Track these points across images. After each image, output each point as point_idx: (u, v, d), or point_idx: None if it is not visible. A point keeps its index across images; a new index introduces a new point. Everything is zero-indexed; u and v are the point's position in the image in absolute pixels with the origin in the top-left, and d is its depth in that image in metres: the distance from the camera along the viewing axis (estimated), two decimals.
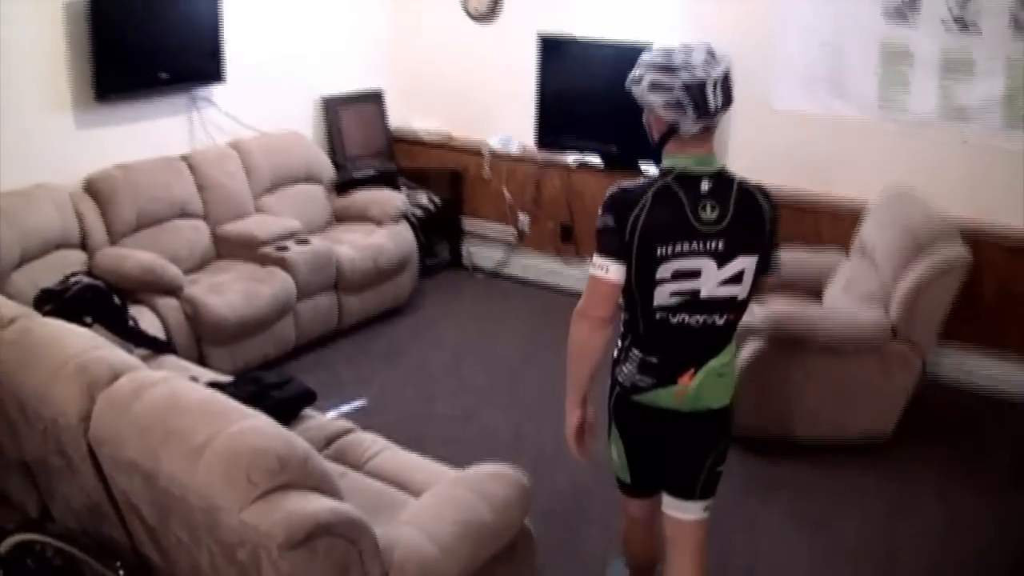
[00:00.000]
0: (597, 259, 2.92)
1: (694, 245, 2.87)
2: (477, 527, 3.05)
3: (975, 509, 4.65)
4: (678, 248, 2.87)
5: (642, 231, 2.85)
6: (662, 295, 2.94)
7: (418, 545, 2.88)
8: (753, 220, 2.93)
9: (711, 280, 2.92)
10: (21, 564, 3.19)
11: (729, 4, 6.31)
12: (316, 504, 2.59)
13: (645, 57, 2.91)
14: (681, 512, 3.25)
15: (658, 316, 2.98)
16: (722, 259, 2.90)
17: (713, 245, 2.88)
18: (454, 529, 2.99)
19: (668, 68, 2.84)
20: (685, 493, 3.22)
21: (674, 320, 2.97)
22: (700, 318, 2.97)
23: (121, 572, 2.93)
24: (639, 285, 2.93)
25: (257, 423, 2.75)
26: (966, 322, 5.65)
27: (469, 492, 3.18)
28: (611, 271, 2.90)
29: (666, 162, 2.96)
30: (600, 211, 2.91)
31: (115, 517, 3.13)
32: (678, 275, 2.90)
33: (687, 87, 2.82)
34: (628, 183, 2.93)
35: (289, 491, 2.60)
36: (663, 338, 3.03)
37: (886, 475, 4.92)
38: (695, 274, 2.90)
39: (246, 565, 2.59)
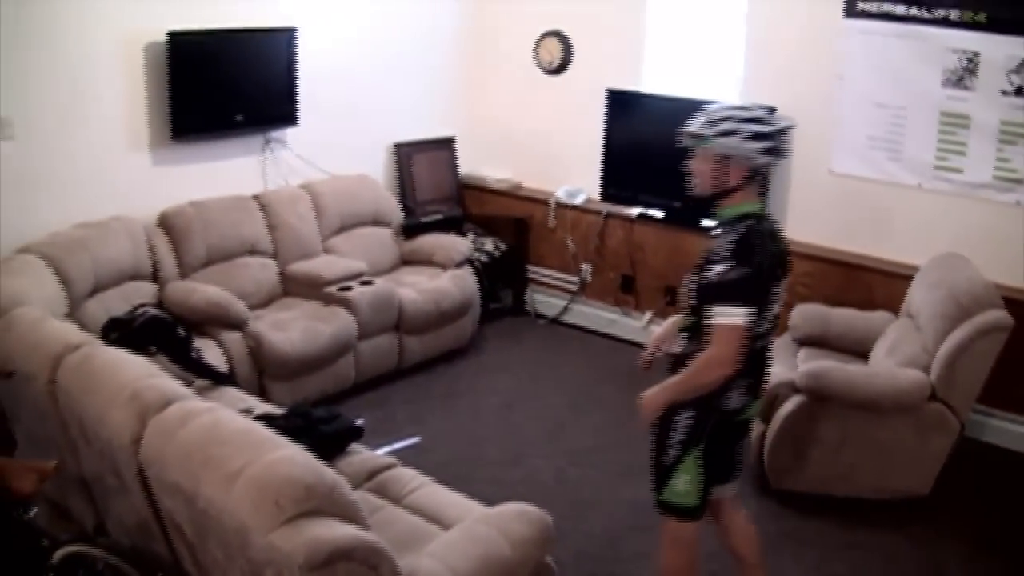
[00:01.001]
0: (735, 309, 3.30)
1: (779, 274, 3.44)
2: (496, 561, 3.19)
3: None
4: (778, 282, 3.46)
5: (766, 273, 3.36)
6: (762, 326, 3.43)
7: (438, 575, 3.02)
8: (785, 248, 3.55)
9: (779, 302, 3.49)
10: (73, 575, 3.39)
11: (793, 67, 6.43)
12: (339, 531, 2.76)
13: (724, 113, 3.39)
14: (733, 489, 3.87)
15: (758, 345, 3.47)
16: (780, 282, 3.48)
17: (780, 273, 3.46)
18: (473, 564, 3.14)
19: (760, 120, 3.38)
20: (738, 475, 3.85)
21: (763, 344, 3.52)
22: (771, 337, 3.57)
23: None
24: (757, 322, 3.38)
25: (289, 453, 2.93)
26: (1013, 387, 5.68)
27: (492, 529, 3.32)
28: (749, 318, 3.31)
29: (742, 208, 3.44)
30: (728, 263, 3.30)
31: (161, 535, 3.33)
32: (772, 304, 3.44)
33: (783, 133, 3.41)
34: (734, 233, 3.36)
35: (314, 518, 2.77)
36: (758, 362, 3.54)
37: (917, 537, 4.94)
38: (776, 300, 3.46)
39: None
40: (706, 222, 6.63)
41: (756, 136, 3.34)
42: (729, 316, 3.29)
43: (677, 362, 3.60)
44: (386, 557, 2.84)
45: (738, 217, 3.42)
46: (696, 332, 3.50)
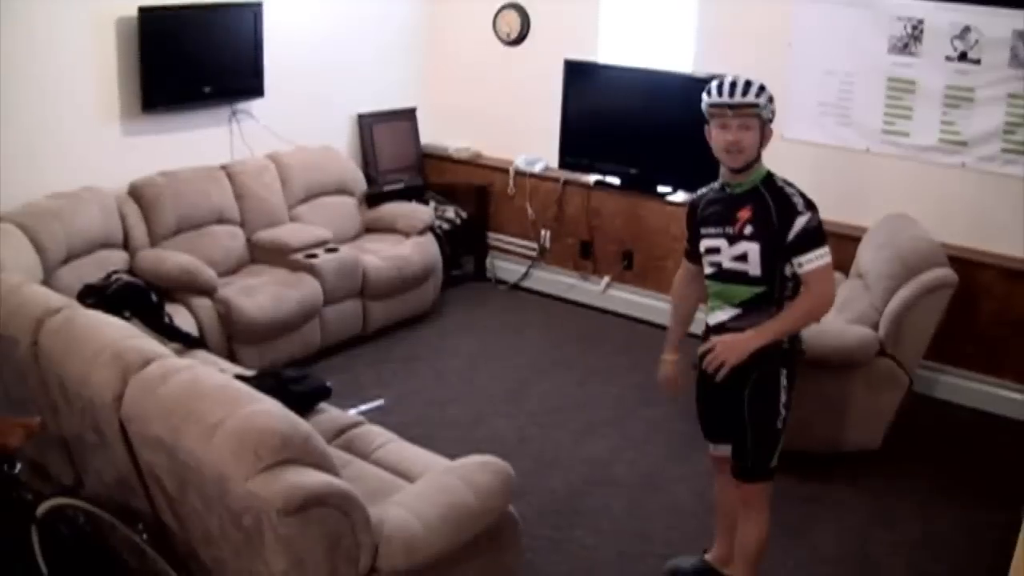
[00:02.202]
0: (825, 249, 3.57)
1: None
2: (460, 509, 3.37)
3: (952, 525, 4.85)
4: None
5: None
6: None
7: (405, 522, 3.22)
8: None
9: None
10: (55, 530, 3.56)
11: (744, 36, 6.63)
12: (313, 478, 2.95)
13: (749, 80, 3.57)
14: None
15: None
16: None
17: None
18: (439, 511, 3.32)
19: None
20: None
21: None
22: None
23: (144, 535, 3.30)
24: None
25: (265, 406, 3.13)
26: (963, 344, 5.94)
27: (456, 479, 3.51)
28: None
29: (762, 169, 3.67)
30: (807, 213, 3.54)
31: (140, 489, 3.50)
32: None
33: None
34: (781, 188, 3.63)
35: (290, 466, 2.97)
36: None
37: (869, 488, 5.14)
38: None
39: (250, 530, 2.95)
40: (662, 188, 6.89)
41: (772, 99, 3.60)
42: (825, 257, 3.54)
43: (728, 334, 3.69)
44: (357, 504, 3.03)
45: (766, 177, 3.65)
46: (759, 300, 3.64)
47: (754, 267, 3.61)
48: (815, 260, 3.53)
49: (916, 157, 6.13)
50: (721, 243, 3.69)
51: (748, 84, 3.54)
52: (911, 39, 5.98)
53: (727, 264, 3.68)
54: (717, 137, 3.61)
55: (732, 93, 3.53)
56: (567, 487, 5.08)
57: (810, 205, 3.56)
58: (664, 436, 5.57)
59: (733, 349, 3.60)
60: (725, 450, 3.92)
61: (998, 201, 5.94)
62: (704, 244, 3.77)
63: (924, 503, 5.04)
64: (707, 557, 4.30)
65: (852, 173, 6.32)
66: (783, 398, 3.72)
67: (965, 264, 5.64)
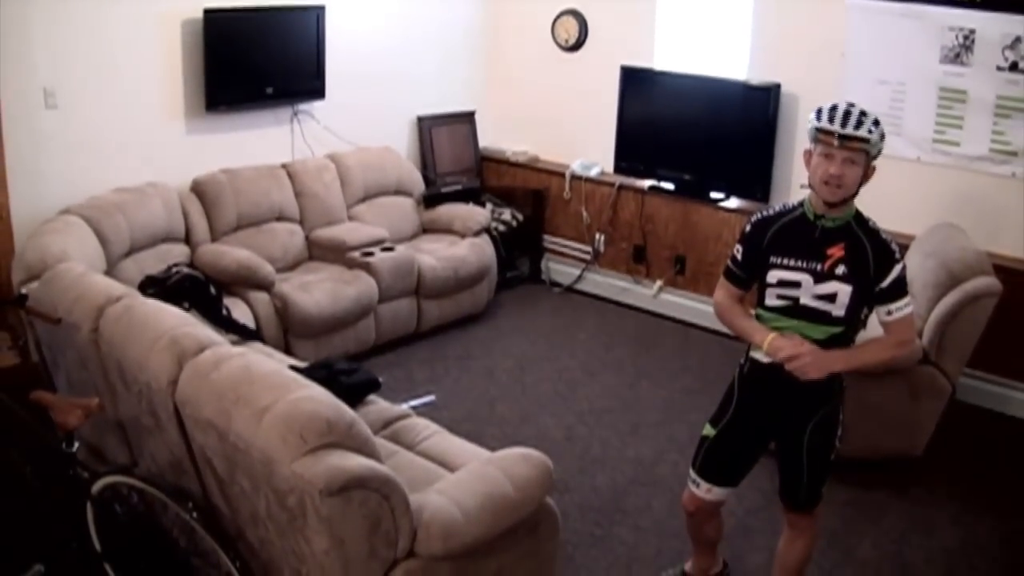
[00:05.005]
0: (910, 297, 3.51)
1: None
2: (499, 499, 3.45)
3: (991, 533, 4.86)
4: None
5: None
6: None
7: (444, 509, 3.31)
8: None
9: None
10: (109, 507, 3.71)
11: (797, 45, 6.68)
12: (355, 461, 3.07)
13: (864, 110, 3.32)
14: None
15: None
16: None
17: None
18: (478, 500, 3.40)
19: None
20: None
21: None
22: None
23: (194, 513, 3.43)
24: None
25: (312, 392, 3.25)
26: (1008, 354, 5.93)
27: (496, 470, 3.59)
28: None
29: (853, 206, 3.49)
30: (900, 261, 3.44)
31: (192, 470, 3.64)
32: None
33: None
34: (875, 232, 3.47)
35: (333, 450, 3.08)
36: None
37: (909, 495, 5.16)
38: None
39: (294, 510, 3.07)
40: (714, 194, 6.97)
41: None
42: (910, 306, 3.47)
43: (791, 375, 3.50)
44: (397, 488, 3.14)
45: (857, 215, 3.47)
46: (833, 342, 3.49)
47: (839, 308, 3.44)
48: (904, 308, 3.44)
49: (967, 166, 6.13)
50: (804, 278, 3.46)
51: (863, 116, 3.28)
52: (962, 49, 5.98)
53: (808, 301, 3.47)
54: (818, 166, 3.37)
55: (845, 123, 3.27)
56: (611, 485, 5.16)
57: (901, 251, 3.47)
58: None
59: (821, 367, 3.44)
60: (720, 494, 3.86)
61: None
62: (776, 275, 3.52)
63: (963, 511, 5.05)
64: (687, 568, 4.31)
65: (903, 182, 6.31)
66: (839, 432, 3.68)
67: (1014, 274, 5.66)
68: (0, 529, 3.59)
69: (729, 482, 3.85)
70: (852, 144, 3.28)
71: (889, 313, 3.45)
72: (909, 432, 5.29)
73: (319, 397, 3.23)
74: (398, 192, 7.47)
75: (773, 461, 3.84)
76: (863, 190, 3.40)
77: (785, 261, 3.49)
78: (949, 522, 4.95)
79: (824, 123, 3.31)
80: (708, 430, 3.83)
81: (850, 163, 3.30)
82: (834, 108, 3.32)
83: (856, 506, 5.03)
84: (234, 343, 5.07)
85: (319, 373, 4.52)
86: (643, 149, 7.48)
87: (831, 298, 3.44)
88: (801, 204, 3.55)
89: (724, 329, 4.04)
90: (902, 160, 6.33)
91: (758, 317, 3.63)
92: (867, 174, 3.37)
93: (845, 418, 3.69)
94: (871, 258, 3.39)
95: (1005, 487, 5.30)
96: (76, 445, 3.55)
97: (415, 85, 7.86)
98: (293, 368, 4.46)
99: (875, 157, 3.36)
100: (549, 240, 8.18)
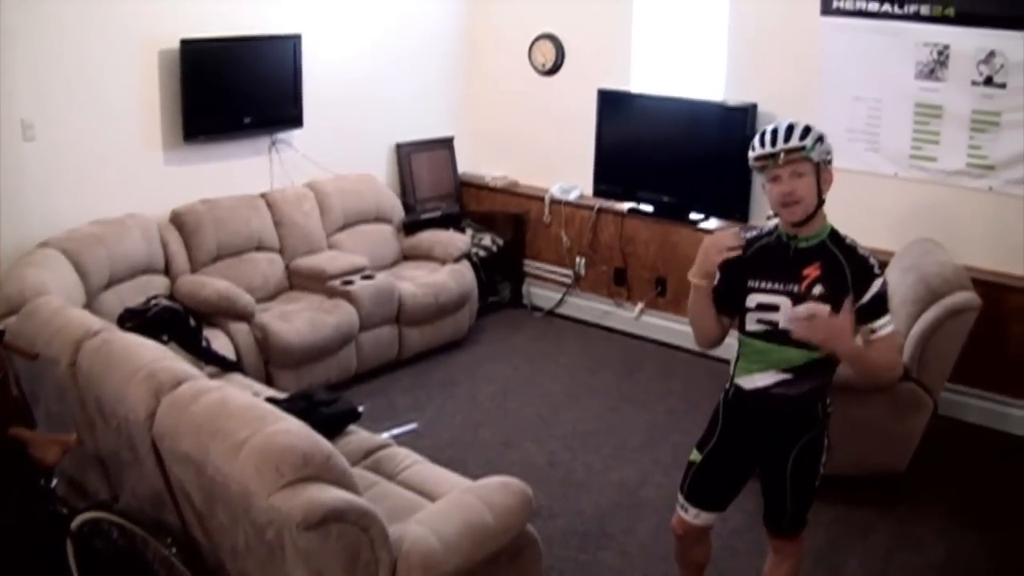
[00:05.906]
0: (891, 315, 3.38)
1: None
2: (478, 528, 3.46)
3: (977, 548, 4.86)
4: None
5: None
6: None
7: (424, 539, 3.31)
8: None
9: None
10: (89, 543, 3.69)
11: (773, 64, 6.72)
12: (332, 494, 3.06)
13: (799, 127, 3.26)
14: None
15: None
16: None
17: None
18: (457, 529, 3.41)
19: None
20: None
21: None
22: None
23: (173, 548, 3.42)
24: None
25: (288, 425, 3.26)
26: (989, 368, 5.94)
27: (475, 499, 3.59)
28: None
29: (827, 224, 3.40)
30: (881, 277, 3.32)
31: (171, 504, 3.64)
32: None
33: None
34: (852, 249, 3.36)
35: (311, 483, 3.08)
36: None
37: (894, 511, 5.15)
38: None
39: (273, 544, 3.07)
40: (695, 215, 6.98)
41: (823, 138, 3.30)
42: (892, 323, 3.34)
43: (774, 400, 3.49)
44: (375, 520, 3.13)
45: (831, 233, 3.38)
46: (813, 366, 3.40)
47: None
48: (887, 326, 3.32)
49: (944, 181, 6.16)
50: (782, 300, 3.37)
51: (791, 127, 3.25)
52: (937, 64, 6.02)
53: (787, 325, 3.33)
54: (770, 191, 3.31)
55: (774, 141, 3.24)
56: (595, 510, 5.14)
57: (881, 266, 3.34)
58: None
59: (829, 335, 3.23)
60: (708, 519, 3.81)
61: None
62: (755, 298, 3.43)
63: (949, 526, 5.05)
64: None
65: (881, 198, 6.34)
66: (823, 458, 3.60)
67: (992, 287, 5.70)
68: None
69: (717, 507, 3.81)
70: (790, 157, 3.23)
71: (872, 331, 3.31)
72: (892, 448, 5.29)
73: (296, 430, 3.23)
74: (378, 219, 7.48)
75: (759, 483, 3.82)
76: (840, 207, 3.40)
77: (763, 284, 3.42)
78: (935, 537, 4.95)
79: (757, 151, 3.29)
80: (695, 455, 3.79)
81: (796, 176, 3.24)
82: (763, 133, 3.31)
83: (842, 524, 5.02)
84: (214, 375, 5.11)
85: (299, 404, 4.52)
86: (622, 172, 7.50)
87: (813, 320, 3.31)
88: (777, 227, 3.49)
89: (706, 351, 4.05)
90: (880, 176, 6.36)
91: (740, 343, 3.59)
92: (823, 180, 3.31)
93: (830, 440, 3.64)
94: (849, 275, 3.30)
95: (990, 501, 5.31)
96: (55, 481, 3.53)
97: (393, 112, 7.87)
98: (272, 400, 4.47)
99: (828, 163, 3.31)
100: (530, 264, 8.19)
